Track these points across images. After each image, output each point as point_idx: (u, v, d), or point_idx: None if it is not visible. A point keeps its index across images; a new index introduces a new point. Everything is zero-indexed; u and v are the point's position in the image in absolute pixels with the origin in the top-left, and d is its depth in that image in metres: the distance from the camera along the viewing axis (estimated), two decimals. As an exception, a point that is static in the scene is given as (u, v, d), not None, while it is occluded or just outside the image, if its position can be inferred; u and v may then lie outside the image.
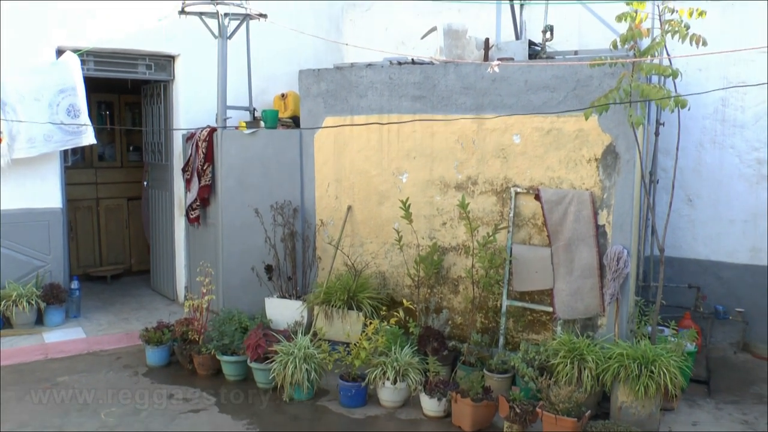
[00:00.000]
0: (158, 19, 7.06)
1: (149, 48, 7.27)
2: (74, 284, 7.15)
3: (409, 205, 5.98)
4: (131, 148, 9.42)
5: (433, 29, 6.95)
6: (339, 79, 6.54)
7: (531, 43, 6.10)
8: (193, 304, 6.16)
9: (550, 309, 5.57)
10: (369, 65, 6.43)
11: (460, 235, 6.05)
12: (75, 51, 6.74)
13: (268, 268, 6.66)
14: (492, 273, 5.71)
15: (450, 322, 6.11)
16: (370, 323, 5.73)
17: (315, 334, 6.02)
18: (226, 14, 6.71)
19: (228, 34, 6.82)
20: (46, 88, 6.40)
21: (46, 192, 6.87)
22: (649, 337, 5.33)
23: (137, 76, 7.43)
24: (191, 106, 7.48)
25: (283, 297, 6.67)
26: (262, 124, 7.03)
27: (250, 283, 6.64)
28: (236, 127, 7.04)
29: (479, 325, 5.97)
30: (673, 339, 5.39)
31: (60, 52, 6.74)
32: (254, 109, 7.21)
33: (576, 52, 6.24)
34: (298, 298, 6.65)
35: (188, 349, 6.03)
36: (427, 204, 6.21)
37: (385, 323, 5.79)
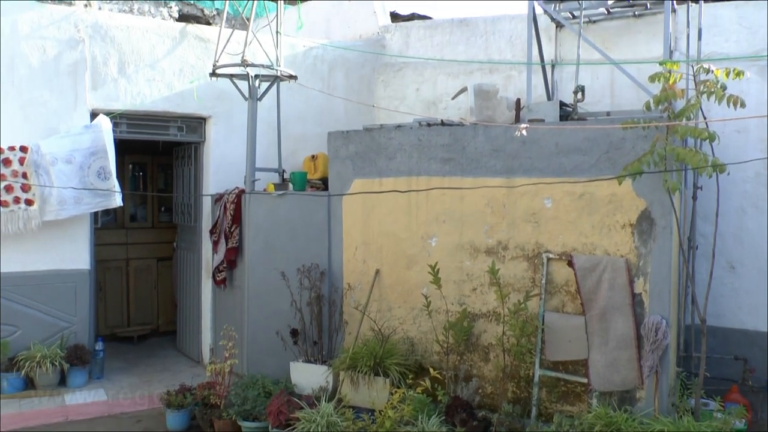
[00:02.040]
0: (190, 81, 7.17)
1: (181, 110, 7.37)
2: (99, 345, 7.09)
3: (438, 270, 5.83)
4: (162, 209, 9.49)
5: (464, 90, 6.93)
6: (368, 141, 6.51)
7: (562, 104, 6.01)
8: (215, 368, 6.03)
9: (585, 380, 5.30)
10: (398, 127, 6.39)
11: (490, 302, 5.85)
12: (108, 114, 6.85)
13: (294, 332, 6.51)
14: (524, 341, 5.48)
15: (480, 391, 5.86)
16: (397, 391, 5.52)
17: (340, 401, 5.83)
18: (256, 76, 6.79)
19: (258, 96, 6.88)
20: (78, 151, 6.49)
21: (75, 253, 6.89)
22: (692, 412, 5.01)
23: (169, 138, 7.51)
24: (221, 167, 7.51)
25: (309, 362, 6.50)
26: (290, 186, 6.99)
27: (275, 347, 6.50)
28: (265, 190, 7.02)
29: (510, 394, 5.70)
30: (719, 415, 5.06)
31: (94, 115, 6.85)
32: (283, 171, 7.21)
33: (608, 113, 6.13)
34: (323, 363, 6.47)
35: (209, 414, 5.88)
36: (456, 269, 6.04)
37: (412, 391, 5.57)
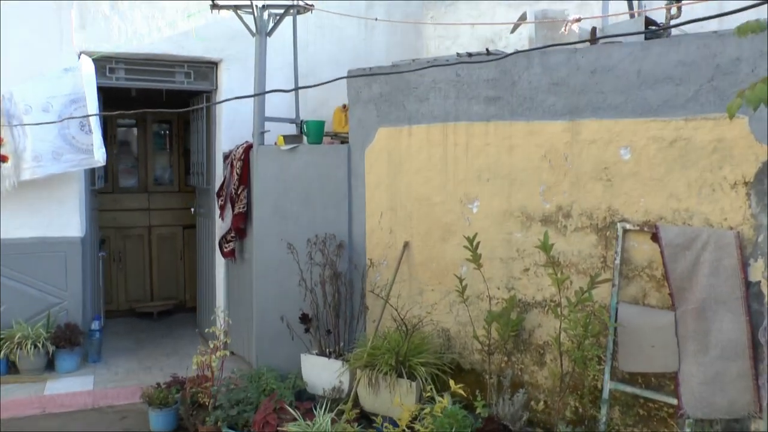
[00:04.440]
0: (187, 15, 5.99)
1: (186, 53, 6.23)
2: (95, 325, 6.15)
3: (478, 244, 4.44)
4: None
5: (523, 18, 5.43)
6: (395, 79, 5.14)
7: (649, 23, 4.40)
8: (201, 361, 4.93)
9: (674, 401, 3.80)
10: (431, 60, 4.99)
11: (547, 287, 4.41)
12: (100, 57, 5.80)
13: (304, 318, 5.31)
14: (588, 343, 4.01)
15: (531, 405, 4.45)
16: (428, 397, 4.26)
17: (356, 406, 4.62)
18: (264, 6, 5.54)
19: (267, 30, 5.63)
20: (56, 98, 5.47)
21: (63, 219, 5.93)
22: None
23: (174, 86, 6.40)
24: (235, 120, 6.33)
25: (322, 354, 5.30)
26: (305, 139, 5.74)
27: (288, 335, 5.33)
28: (276, 144, 5.81)
29: (571, 412, 4.27)
30: None
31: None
32: (301, 122, 5.95)
33: (716, 33, 4.45)
34: (339, 356, 5.24)
35: (195, 416, 4.80)
36: (503, 242, 4.63)
37: (443, 399, 4.25)
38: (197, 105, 6.80)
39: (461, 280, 4.53)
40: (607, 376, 4.05)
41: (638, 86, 3.95)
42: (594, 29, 4.88)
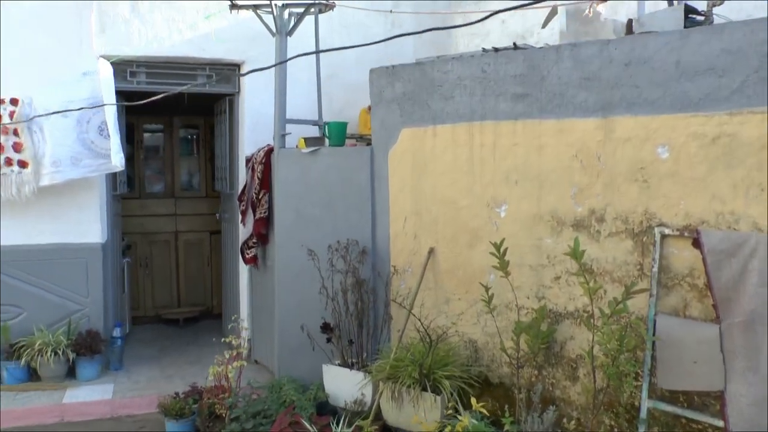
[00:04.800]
0: (205, 16, 5.86)
1: (208, 56, 6.11)
2: (116, 332, 6.06)
3: (506, 250, 4.17)
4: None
5: (554, 13, 5.15)
6: (418, 76, 4.90)
7: (689, 12, 4.07)
8: (217, 371, 4.76)
9: (721, 423, 3.47)
10: (456, 56, 4.74)
11: (580, 296, 4.11)
12: (120, 61, 5.72)
13: (326, 327, 5.10)
14: (624, 358, 3.71)
15: (563, 423, 4.15)
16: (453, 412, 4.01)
17: (378, 420, 4.40)
18: (284, 5, 5.36)
19: (288, 30, 5.45)
20: (74, 102, 5.39)
21: (84, 225, 5.86)
22: None
23: (197, 90, 6.29)
24: (258, 123, 6.17)
25: (344, 365, 5.08)
26: (326, 141, 5.55)
27: (310, 344, 5.13)
28: (298, 147, 5.62)
29: (605, 431, 3.96)
30: None
31: (106, 63, 5.77)
32: (324, 124, 5.76)
33: (765, 19, 4.10)
34: (362, 367, 5.02)
35: (211, 428, 4.66)
36: (533, 249, 4.34)
37: (463, 418, 3.99)
38: (219, 109, 6.68)
39: (487, 289, 4.25)
40: (644, 393, 3.73)
41: (677, 79, 3.63)
42: (630, 21, 4.57)
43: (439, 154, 4.82)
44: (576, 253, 3.66)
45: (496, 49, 4.49)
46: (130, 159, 7.92)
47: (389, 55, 6.65)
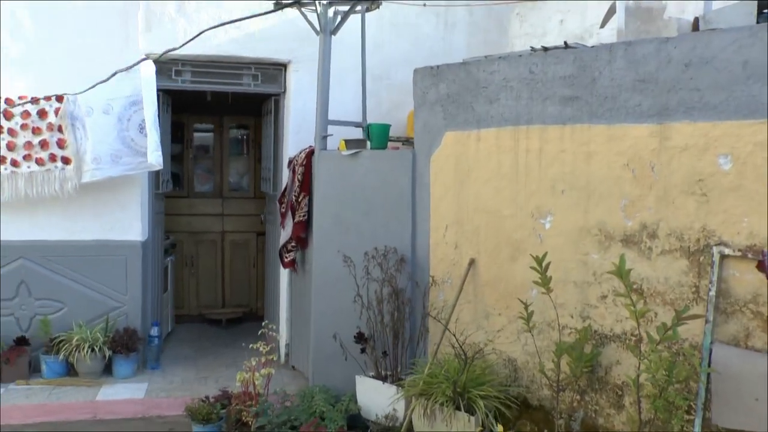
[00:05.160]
0: (250, 12, 5.74)
1: (254, 55, 6.01)
2: (154, 331, 6.03)
3: (548, 265, 3.86)
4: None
5: (612, 11, 4.82)
6: (463, 77, 4.64)
7: (763, 7, 3.67)
8: (244, 378, 4.63)
9: (783, 469, 3.08)
10: (503, 56, 4.46)
11: (628, 318, 3.75)
12: (165, 60, 5.68)
13: (360, 337, 4.90)
14: (674, 390, 3.35)
15: (606, 455, 3.82)
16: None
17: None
18: (329, 2, 5.20)
19: (332, 28, 5.29)
20: (116, 100, 5.39)
21: (125, 222, 5.84)
22: None
23: (242, 90, 6.20)
24: (303, 124, 6.02)
25: (378, 377, 4.86)
26: (368, 144, 5.35)
27: (349, 352, 4.95)
28: (340, 149, 5.45)
29: (653, 468, 3.61)
30: None
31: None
32: (366, 125, 5.56)
33: None
34: (397, 380, 4.79)
35: (237, 434, 4.53)
36: (578, 264, 4.02)
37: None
38: (265, 109, 6.58)
39: (527, 306, 3.95)
40: (697, 429, 3.37)
41: (744, 81, 3.26)
42: (696, 20, 4.20)
43: (482, 159, 4.55)
44: (621, 272, 3.33)
45: (545, 48, 4.19)
46: (179, 158, 7.96)
47: (440, 56, 6.44)
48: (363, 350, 4.90)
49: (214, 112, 7.87)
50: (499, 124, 4.42)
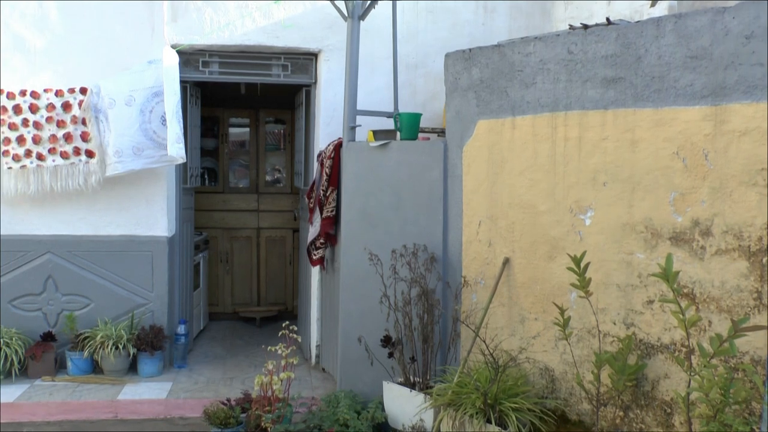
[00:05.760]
0: (276, 1, 5.49)
1: (283, 44, 5.74)
2: (180, 329, 5.85)
3: (587, 265, 3.47)
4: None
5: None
6: (497, 60, 4.27)
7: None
8: (263, 382, 4.38)
9: None
10: (539, 36, 4.06)
11: (677, 326, 3.33)
12: (191, 49, 5.51)
13: (387, 341, 4.59)
14: (732, 412, 2.92)
15: (652, 480, 3.40)
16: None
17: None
18: (356, -14, 4.90)
19: (360, 13, 4.99)
20: (138, 91, 5.21)
21: (151, 218, 5.67)
22: None
23: (271, 80, 5.95)
24: (333, 116, 5.75)
25: (406, 384, 4.54)
26: (398, 134, 5.03)
27: (378, 356, 4.65)
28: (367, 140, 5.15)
29: (706, 498, 3.17)
30: None
31: (177, 53, 5.54)
32: (398, 115, 5.24)
33: None
34: (426, 388, 4.46)
35: (255, 441, 4.30)
36: (622, 265, 3.60)
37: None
38: (298, 102, 6.33)
39: (563, 311, 3.56)
40: (758, 457, 2.93)
41: (815, 53, 2.80)
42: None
43: (517, 149, 4.16)
44: (668, 274, 2.91)
45: (585, 26, 3.78)
46: (214, 153, 7.81)
47: (480, 42, 6.05)
48: (390, 355, 4.59)
49: (250, 106, 7.69)
50: (535, 111, 4.03)
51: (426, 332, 4.58)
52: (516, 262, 4.22)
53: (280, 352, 4.46)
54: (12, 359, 5.31)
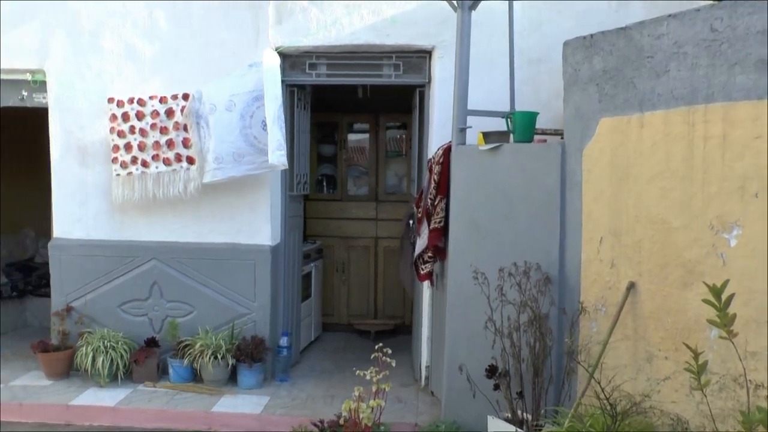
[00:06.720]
0: (381, -9, 5.12)
1: (393, 42, 5.36)
2: (283, 341, 5.62)
3: (732, 296, 2.73)
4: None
5: None
6: (622, 46, 3.59)
7: None
8: (351, 408, 3.99)
9: None
10: (673, 15, 3.34)
11: None
12: (297, 51, 5.31)
13: (492, 371, 4.03)
14: None
15: None
16: None
17: None
18: (466, -29, 4.41)
19: (471, 3, 4.49)
20: (238, 95, 5.04)
21: (254, 226, 5.50)
22: None
23: (382, 81, 5.57)
24: (448, 119, 5.21)
25: (513, 421, 3.96)
26: (511, 137, 4.46)
27: (483, 387, 4.12)
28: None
29: None
30: None
31: (280, 55, 5.36)
32: (510, 114, 4.65)
33: None
34: (535, 428, 3.86)
35: (340, 475, 3.93)
36: (779, 296, 2.82)
37: None
38: (414, 103, 5.91)
39: (696, 354, 2.83)
40: None
41: None
42: None
43: (646, 152, 3.46)
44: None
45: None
46: (332, 159, 7.60)
47: (615, 32, 5.31)
48: (496, 387, 4.03)
49: (370, 111, 7.39)
50: (667, 105, 3.32)
51: (537, 364, 3.97)
52: (643, 287, 3.51)
53: (368, 377, 4.05)
54: (117, 363, 5.36)
